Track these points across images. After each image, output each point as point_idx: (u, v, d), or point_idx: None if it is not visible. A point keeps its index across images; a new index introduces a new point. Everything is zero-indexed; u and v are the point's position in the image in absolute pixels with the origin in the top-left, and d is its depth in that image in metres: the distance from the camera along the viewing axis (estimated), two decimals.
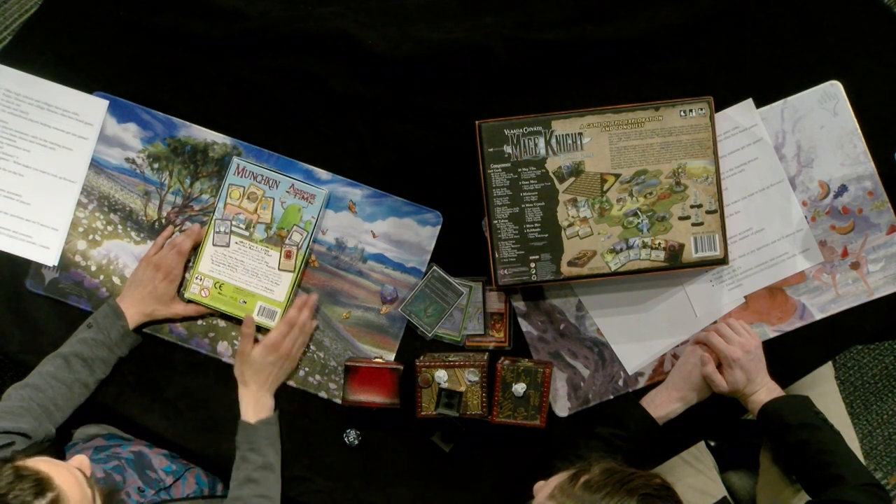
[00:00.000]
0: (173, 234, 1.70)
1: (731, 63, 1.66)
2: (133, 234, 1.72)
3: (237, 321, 1.69)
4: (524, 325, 1.69)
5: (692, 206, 1.58)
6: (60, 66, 1.71)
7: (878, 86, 1.66)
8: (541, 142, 1.57)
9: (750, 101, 1.65)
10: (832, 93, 1.65)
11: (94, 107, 1.71)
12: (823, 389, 1.73)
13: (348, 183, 1.70)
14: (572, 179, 1.57)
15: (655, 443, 1.59)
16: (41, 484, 1.16)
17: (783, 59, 1.66)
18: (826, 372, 1.77)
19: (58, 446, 1.60)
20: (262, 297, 1.68)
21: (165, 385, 1.70)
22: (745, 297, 1.67)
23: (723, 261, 1.59)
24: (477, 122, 1.57)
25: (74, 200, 1.71)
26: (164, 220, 1.71)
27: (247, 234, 1.68)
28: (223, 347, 1.71)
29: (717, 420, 1.67)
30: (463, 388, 1.61)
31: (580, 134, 1.56)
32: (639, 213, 1.58)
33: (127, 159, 1.71)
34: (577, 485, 1.24)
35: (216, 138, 1.71)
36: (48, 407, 1.55)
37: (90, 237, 1.71)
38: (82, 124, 1.71)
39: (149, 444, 1.66)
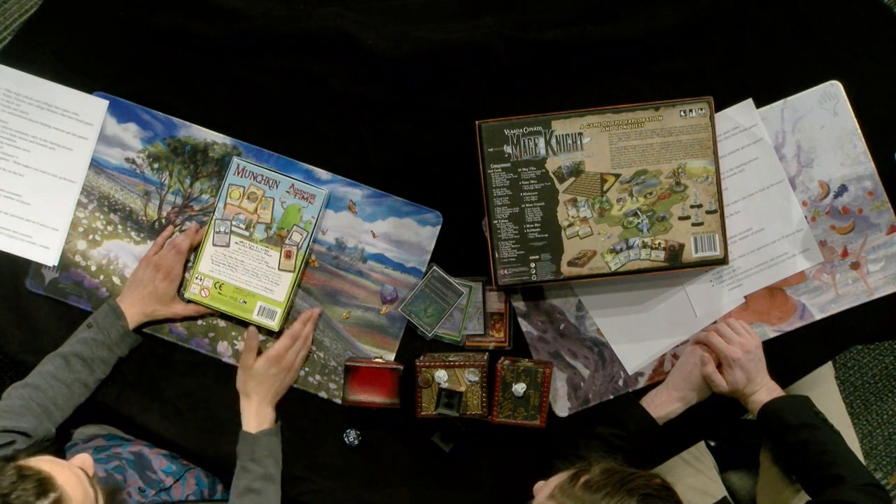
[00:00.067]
0: (173, 234, 1.70)
1: (731, 63, 1.66)
2: (133, 234, 1.72)
3: (237, 321, 1.69)
4: (524, 325, 1.69)
5: (692, 206, 1.58)
6: (60, 66, 1.71)
7: (878, 86, 1.66)
8: (541, 142, 1.57)
9: (750, 101, 1.65)
10: (832, 93, 1.65)
11: (94, 107, 1.71)
12: (823, 389, 1.73)
13: (348, 183, 1.70)
14: (572, 179, 1.57)
15: (655, 443, 1.59)
16: (43, 484, 1.16)
17: (783, 59, 1.66)
18: (826, 372, 1.77)
19: (57, 446, 1.60)
20: (262, 297, 1.68)
21: (165, 385, 1.70)
22: (745, 297, 1.67)
23: (723, 261, 1.59)
24: (477, 122, 1.57)
25: (74, 200, 1.71)
26: (164, 220, 1.71)
27: (247, 234, 1.68)
28: (223, 347, 1.71)
29: (717, 420, 1.67)
30: (463, 388, 1.61)
31: (580, 134, 1.56)
32: (639, 213, 1.58)
33: (127, 159, 1.71)
34: (577, 485, 1.24)
35: (216, 138, 1.71)
36: (48, 406, 1.55)
37: (90, 237, 1.71)
38: (82, 124, 1.71)
39: (149, 445, 1.67)
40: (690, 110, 1.57)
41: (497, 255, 1.59)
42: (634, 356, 1.68)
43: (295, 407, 1.70)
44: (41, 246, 1.71)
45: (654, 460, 1.65)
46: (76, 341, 1.62)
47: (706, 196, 1.58)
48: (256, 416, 1.63)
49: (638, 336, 1.68)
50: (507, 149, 1.57)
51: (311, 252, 1.69)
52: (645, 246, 1.58)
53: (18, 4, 2.42)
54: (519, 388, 1.61)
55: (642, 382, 1.68)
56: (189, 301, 1.69)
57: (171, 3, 1.68)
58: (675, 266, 1.59)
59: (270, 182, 1.68)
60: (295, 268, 1.68)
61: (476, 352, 1.68)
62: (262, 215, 1.68)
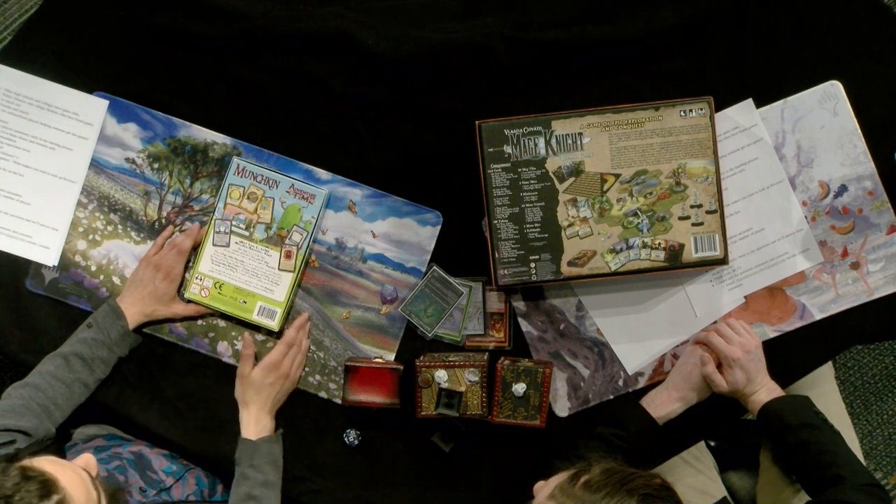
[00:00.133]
0: (173, 233, 1.70)
1: (731, 63, 1.66)
2: (133, 234, 1.72)
3: (237, 321, 1.69)
4: (524, 325, 1.69)
5: (692, 206, 1.58)
6: (60, 66, 1.71)
7: (878, 86, 1.66)
8: (541, 142, 1.57)
9: (750, 101, 1.65)
10: (832, 93, 1.65)
11: (94, 107, 1.71)
12: (823, 389, 1.73)
13: (348, 183, 1.70)
14: (572, 179, 1.57)
15: (655, 443, 1.59)
16: (47, 486, 1.16)
17: (783, 59, 1.66)
18: (826, 372, 1.77)
19: (57, 446, 1.60)
20: (262, 297, 1.68)
21: (165, 385, 1.70)
22: (745, 297, 1.67)
23: (723, 261, 1.59)
24: (477, 122, 1.57)
25: (74, 200, 1.71)
26: (164, 220, 1.71)
27: (247, 234, 1.68)
28: (223, 347, 1.71)
29: (717, 420, 1.67)
30: (463, 388, 1.61)
31: (580, 134, 1.56)
32: (639, 213, 1.58)
33: (127, 159, 1.71)
34: (577, 485, 1.24)
35: (216, 138, 1.71)
36: (48, 406, 1.55)
37: (90, 237, 1.71)
38: (82, 124, 1.71)
39: (149, 445, 1.66)
40: (690, 110, 1.57)
41: (497, 255, 1.59)
42: (634, 356, 1.68)
43: (295, 407, 1.70)
44: (41, 246, 1.71)
45: (654, 460, 1.65)
46: (76, 341, 1.62)
47: (706, 196, 1.58)
48: (255, 424, 1.63)
49: (638, 336, 1.68)
50: (507, 149, 1.57)
51: (311, 252, 1.69)
52: (645, 246, 1.58)
53: (18, 4, 2.42)
54: (519, 388, 1.61)
55: (642, 382, 1.68)
56: (189, 301, 1.69)
57: (171, 3, 1.68)
58: (675, 266, 1.59)
59: (270, 182, 1.68)
60: (295, 268, 1.68)
61: (476, 352, 1.68)
62: (262, 215, 1.68)
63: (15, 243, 1.71)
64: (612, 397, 1.69)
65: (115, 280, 1.71)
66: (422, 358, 1.65)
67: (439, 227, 1.69)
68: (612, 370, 1.68)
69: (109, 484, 1.47)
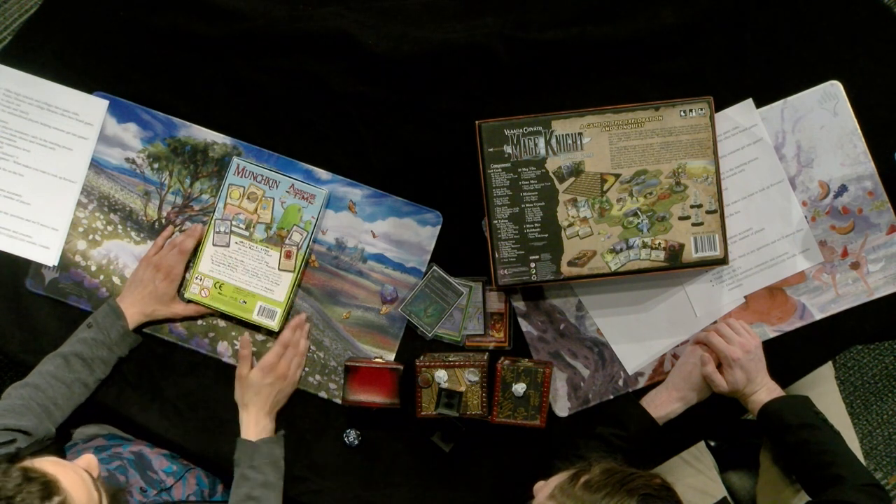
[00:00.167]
0: (173, 233, 1.70)
1: (731, 63, 1.66)
2: (133, 234, 1.72)
3: (237, 321, 1.69)
4: (524, 325, 1.69)
5: (692, 206, 1.58)
6: (60, 66, 1.71)
7: (878, 86, 1.66)
8: (541, 142, 1.57)
9: (750, 101, 1.65)
10: (832, 93, 1.65)
11: (94, 107, 1.71)
12: (823, 389, 1.73)
13: (348, 183, 1.70)
14: (572, 179, 1.57)
15: (655, 443, 1.59)
16: (49, 487, 1.16)
17: (783, 59, 1.66)
18: (826, 372, 1.77)
19: (58, 446, 1.60)
20: (262, 297, 1.68)
21: (165, 385, 1.70)
22: (745, 297, 1.67)
23: (723, 261, 1.59)
24: (477, 122, 1.57)
25: (74, 200, 1.71)
26: (164, 220, 1.71)
27: (247, 234, 1.68)
28: (223, 347, 1.71)
29: (717, 420, 1.67)
30: (463, 388, 1.61)
31: (580, 134, 1.56)
32: (639, 213, 1.58)
33: (127, 159, 1.71)
34: (577, 485, 1.24)
35: (216, 138, 1.71)
36: (48, 406, 1.55)
37: (90, 237, 1.71)
38: (82, 124, 1.71)
39: (149, 445, 1.66)
40: (690, 110, 1.57)
41: (497, 255, 1.59)
42: (634, 356, 1.68)
43: (295, 407, 1.70)
44: (41, 246, 1.71)
45: (654, 460, 1.65)
46: (76, 341, 1.62)
47: (706, 196, 1.58)
48: (255, 426, 1.62)
49: (638, 336, 1.68)
50: (507, 149, 1.57)
51: (311, 252, 1.69)
52: (645, 246, 1.58)
53: (18, 4, 2.42)
54: (519, 388, 1.61)
55: (642, 382, 1.68)
56: (189, 301, 1.69)
57: (171, 3, 1.68)
58: (675, 266, 1.59)
59: (270, 182, 1.68)
60: (295, 268, 1.68)
61: (476, 352, 1.68)
62: (262, 215, 1.68)
63: (15, 243, 1.71)
64: (612, 397, 1.69)
65: (115, 280, 1.71)
66: (422, 358, 1.65)
67: (439, 227, 1.69)
68: (612, 370, 1.68)
69: (110, 484, 1.46)
